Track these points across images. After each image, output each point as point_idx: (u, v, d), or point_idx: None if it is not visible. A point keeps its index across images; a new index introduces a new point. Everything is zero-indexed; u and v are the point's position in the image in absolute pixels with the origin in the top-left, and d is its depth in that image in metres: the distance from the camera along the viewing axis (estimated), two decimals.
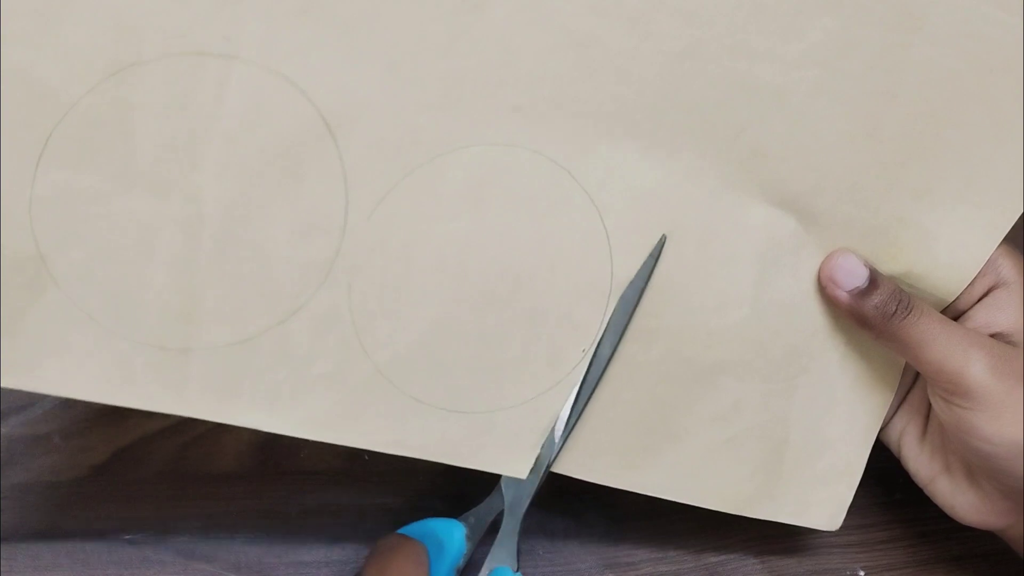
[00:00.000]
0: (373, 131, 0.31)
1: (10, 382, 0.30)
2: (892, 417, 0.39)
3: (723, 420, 0.37)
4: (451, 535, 0.35)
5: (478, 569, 0.36)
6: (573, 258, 0.34)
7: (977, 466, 0.35)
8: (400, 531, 0.36)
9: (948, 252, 0.35)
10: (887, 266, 0.35)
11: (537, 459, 0.35)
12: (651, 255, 0.34)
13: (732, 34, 0.32)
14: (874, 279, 0.34)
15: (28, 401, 0.39)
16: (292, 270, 0.31)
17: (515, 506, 0.36)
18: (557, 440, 0.35)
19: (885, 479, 0.43)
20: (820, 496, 0.39)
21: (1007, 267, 0.35)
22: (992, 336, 0.34)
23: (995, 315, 0.35)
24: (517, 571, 0.35)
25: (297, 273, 0.31)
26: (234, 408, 0.32)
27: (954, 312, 0.36)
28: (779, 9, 0.32)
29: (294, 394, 0.32)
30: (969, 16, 0.32)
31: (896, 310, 0.34)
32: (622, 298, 0.34)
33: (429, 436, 0.34)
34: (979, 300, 0.35)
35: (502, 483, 0.36)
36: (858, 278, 0.34)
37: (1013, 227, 0.35)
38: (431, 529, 0.35)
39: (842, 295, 0.34)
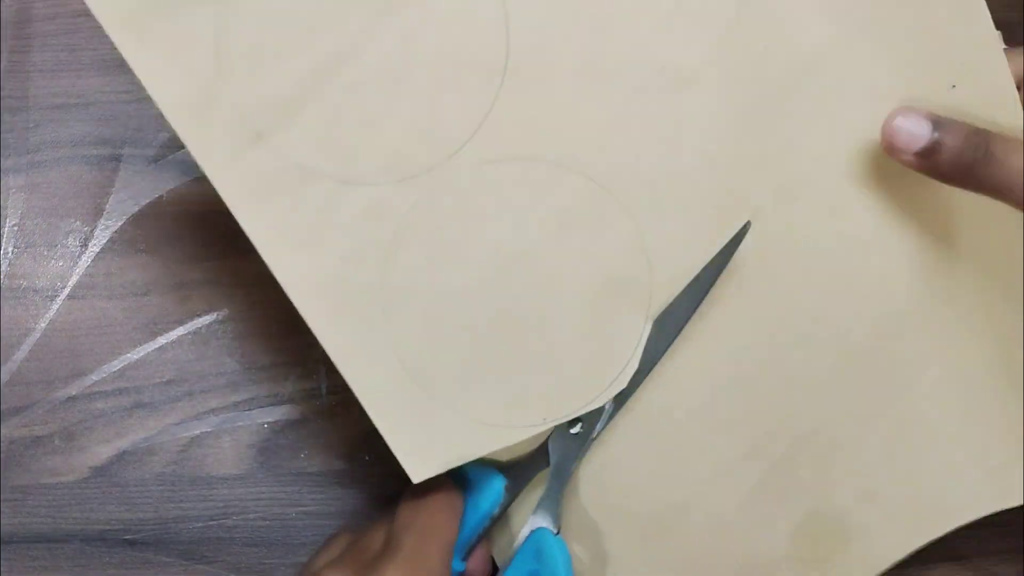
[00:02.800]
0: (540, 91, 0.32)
1: None
2: None
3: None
4: (491, 484, 0.35)
5: (513, 524, 0.36)
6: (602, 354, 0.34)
7: None
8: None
9: None
10: None
11: (583, 429, 0.35)
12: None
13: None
14: (938, 135, 0.31)
15: (28, 402, 0.39)
16: (397, 146, 0.32)
17: (561, 469, 0.35)
18: (607, 411, 0.35)
19: None
20: None
21: None
22: None
23: None
24: (558, 533, 0.35)
25: (391, 155, 0.32)
26: (251, 207, 0.31)
27: None
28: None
29: (301, 243, 0.32)
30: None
31: (974, 159, 0.31)
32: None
33: (373, 377, 0.32)
34: None
35: (549, 444, 0.35)
36: (920, 137, 0.32)
37: None
38: (472, 475, 0.35)
39: (910, 159, 0.32)
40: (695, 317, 0.34)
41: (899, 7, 0.33)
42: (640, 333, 0.34)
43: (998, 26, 0.43)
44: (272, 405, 0.40)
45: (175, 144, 0.40)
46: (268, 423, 0.40)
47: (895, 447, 0.37)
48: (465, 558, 0.35)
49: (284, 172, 0.31)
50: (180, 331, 0.40)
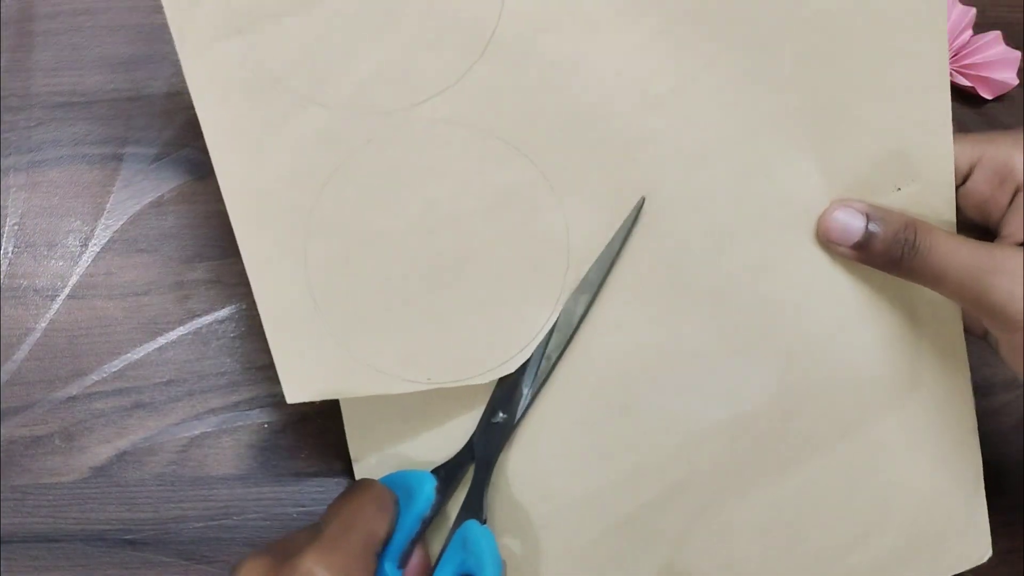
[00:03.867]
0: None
1: None
2: None
3: None
4: (421, 486, 0.35)
5: (447, 521, 0.36)
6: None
7: None
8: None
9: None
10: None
11: (504, 417, 0.35)
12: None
13: None
14: (871, 231, 0.33)
15: (28, 402, 0.39)
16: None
17: (485, 459, 0.36)
18: (525, 396, 0.35)
19: None
20: None
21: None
22: None
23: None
24: (485, 523, 0.35)
25: (359, 88, 0.32)
26: (212, 97, 0.32)
27: (993, 224, 0.35)
28: None
29: (248, 147, 0.32)
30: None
31: (902, 253, 0.33)
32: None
33: (279, 294, 0.33)
34: (1008, 207, 0.34)
35: (473, 437, 0.36)
36: (854, 232, 0.33)
37: None
38: (402, 479, 0.35)
39: (845, 251, 0.34)
40: (598, 327, 0.35)
41: (869, 98, 0.34)
42: (542, 325, 0.35)
43: (998, 26, 0.43)
44: (272, 405, 0.40)
45: (176, 143, 0.40)
46: (268, 423, 0.40)
47: (769, 525, 0.37)
48: (402, 565, 0.34)
49: (253, 73, 0.31)
50: (180, 331, 0.40)
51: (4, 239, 0.39)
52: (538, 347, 0.35)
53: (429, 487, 0.35)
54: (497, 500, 0.37)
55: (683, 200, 0.34)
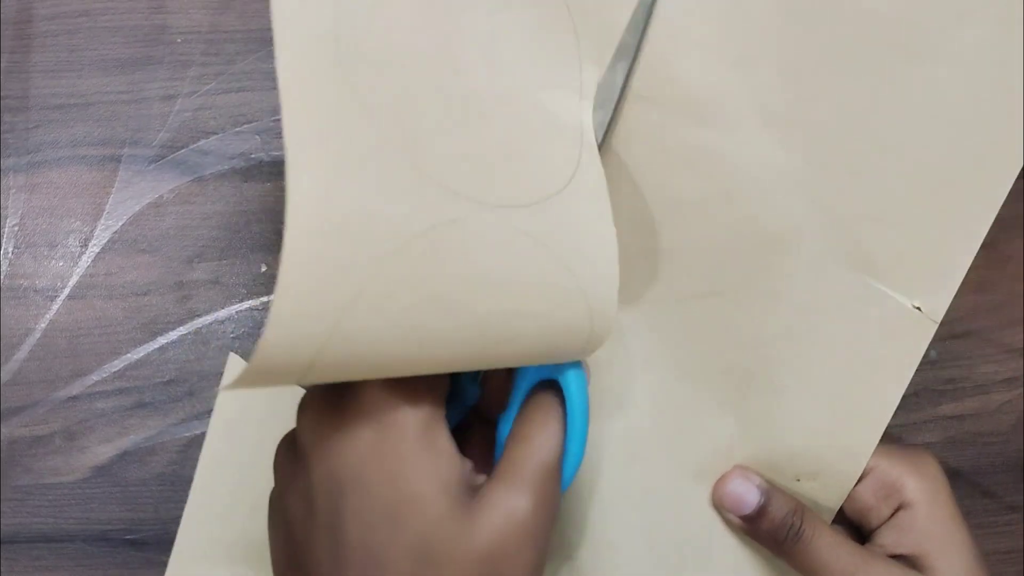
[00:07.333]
0: None
1: None
2: None
3: None
4: None
5: None
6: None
7: None
8: None
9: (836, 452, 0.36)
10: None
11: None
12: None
13: None
14: (764, 507, 0.34)
15: (29, 402, 0.39)
16: None
17: None
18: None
19: None
20: None
21: (912, 488, 0.34)
22: (898, 557, 0.34)
23: (900, 537, 0.34)
24: None
25: None
26: None
27: (867, 529, 0.36)
28: None
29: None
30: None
31: (786, 536, 0.34)
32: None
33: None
34: (887, 520, 0.35)
35: None
36: (747, 506, 0.35)
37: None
38: None
39: (733, 519, 0.35)
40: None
41: (813, 401, 0.35)
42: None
43: None
44: None
45: (175, 144, 0.40)
46: None
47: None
48: (481, 380, 0.32)
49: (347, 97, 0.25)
50: (180, 331, 0.40)
51: (4, 240, 0.40)
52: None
53: None
54: None
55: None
